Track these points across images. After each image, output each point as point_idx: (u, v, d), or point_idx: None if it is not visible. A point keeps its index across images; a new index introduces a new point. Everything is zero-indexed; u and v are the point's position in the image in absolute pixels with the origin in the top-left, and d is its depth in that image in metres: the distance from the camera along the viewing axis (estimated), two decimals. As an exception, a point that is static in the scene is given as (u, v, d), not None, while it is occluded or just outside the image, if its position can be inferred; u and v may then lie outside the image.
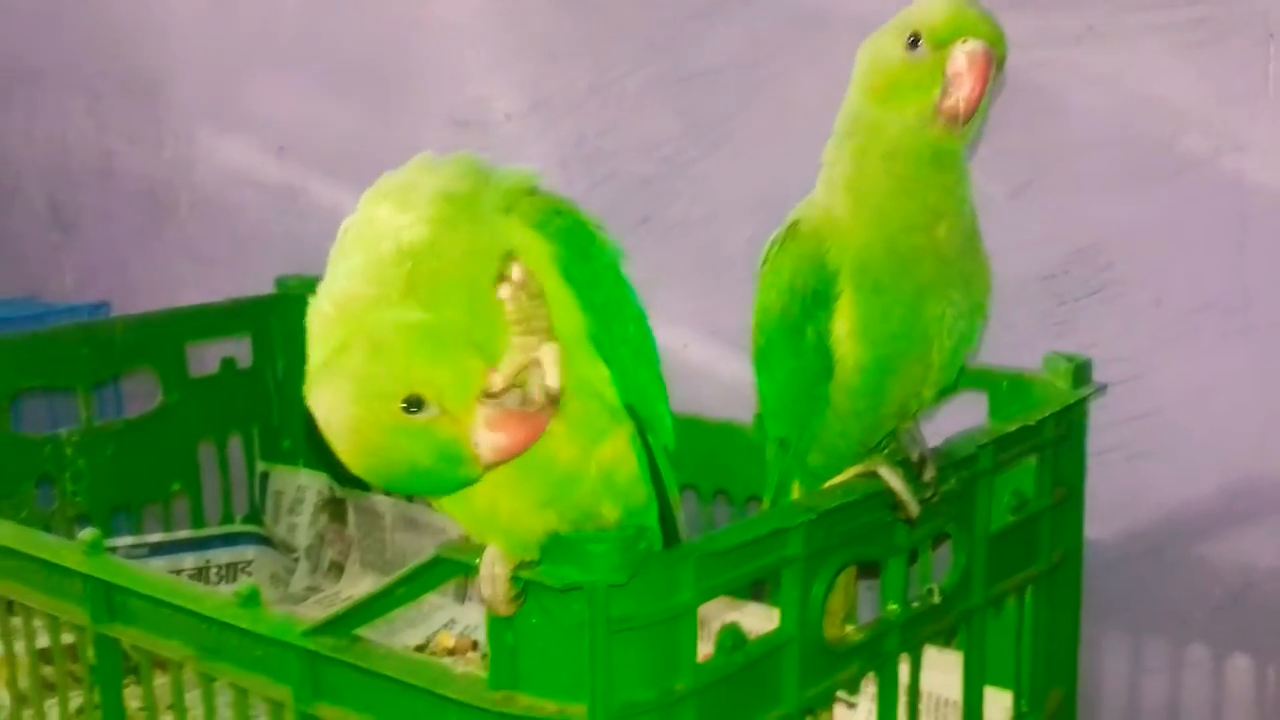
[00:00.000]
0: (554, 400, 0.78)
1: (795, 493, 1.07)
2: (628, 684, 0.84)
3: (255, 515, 1.77)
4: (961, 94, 0.93)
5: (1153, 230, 1.29)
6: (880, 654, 1.00)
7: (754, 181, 1.57)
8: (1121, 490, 1.29)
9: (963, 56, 0.93)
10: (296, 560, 1.74)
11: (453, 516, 0.86)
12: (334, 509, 1.75)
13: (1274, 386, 1.25)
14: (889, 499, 0.97)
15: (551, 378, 0.76)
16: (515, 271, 0.77)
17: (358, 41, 1.90)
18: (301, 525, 1.76)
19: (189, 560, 1.67)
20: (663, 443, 0.88)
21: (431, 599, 1.65)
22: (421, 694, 0.89)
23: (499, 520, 0.83)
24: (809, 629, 0.94)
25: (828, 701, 0.98)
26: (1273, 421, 1.25)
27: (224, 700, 1.05)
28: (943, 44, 0.94)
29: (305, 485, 1.76)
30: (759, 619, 1.21)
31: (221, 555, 1.70)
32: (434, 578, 0.91)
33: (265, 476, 1.78)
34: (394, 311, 0.76)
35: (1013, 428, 1.07)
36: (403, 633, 1.58)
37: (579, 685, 0.83)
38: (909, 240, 0.96)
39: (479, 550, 0.86)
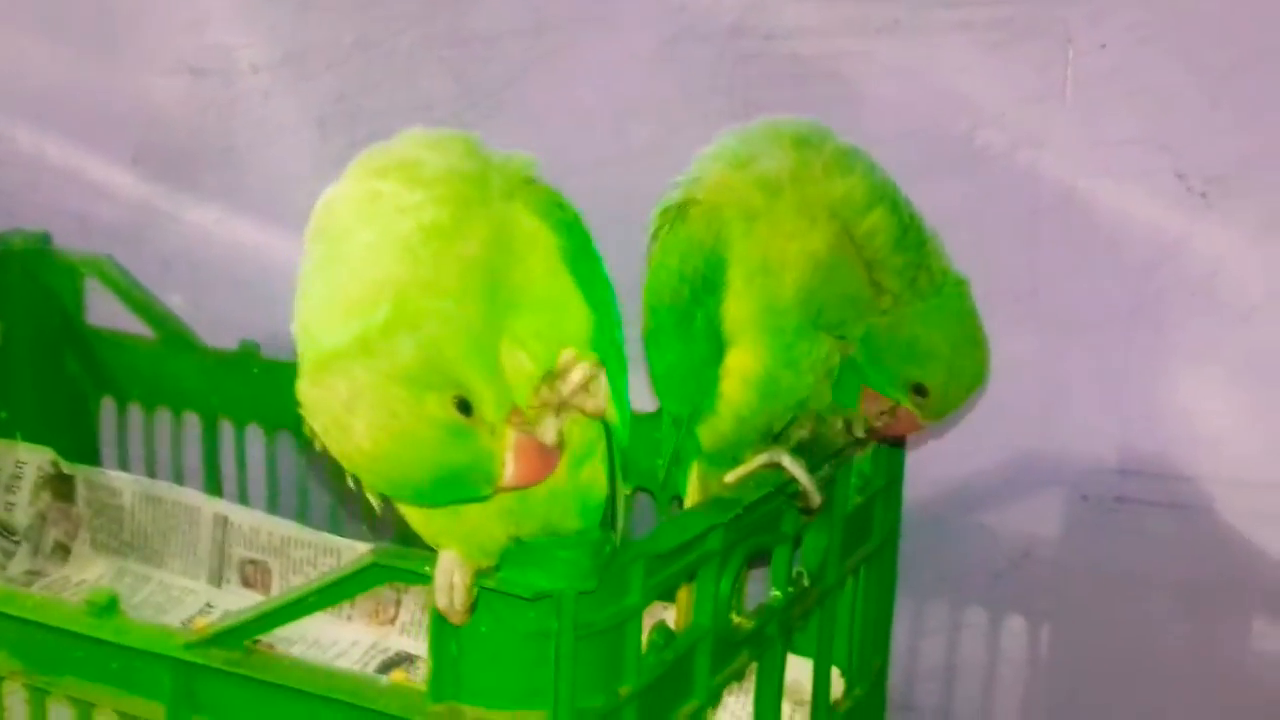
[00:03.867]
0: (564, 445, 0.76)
1: (694, 471, 1.07)
2: (583, 690, 0.82)
3: (-32, 494, 1.60)
4: None
5: (949, 220, 1.35)
6: (764, 640, 1.02)
7: (534, 150, 1.53)
8: (910, 462, 1.35)
9: None
10: (17, 543, 1.58)
11: (407, 518, 0.81)
12: (58, 486, 1.60)
13: (1057, 368, 1.34)
14: (791, 489, 0.99)
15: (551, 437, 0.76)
16: (582, 369, 0.75)
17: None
18: (20, 504, 1.60)
19: (-105, 548, 1.50)
20: (621, 446, 0.85)
21: (181, 582, 1.55)
22: (346, 709, 0.84)
23: (460, 525, 0.79)
24: (720, 620, 0.94)
25: (719, 694, 0.98)
26: (1054, 401, 1.34)
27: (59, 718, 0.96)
28: None
29: (24, 460, 1.61)
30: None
31: (-69, 540, 1.53)
32: (361, 584, 0.85)
33: (-22, 452, 1.61)
34: (437, 301, 0.71)
35: (869, 413, 1.11)
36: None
37: (534, 693, 0.80)
38: None
39: (421, 558, 0.81)
